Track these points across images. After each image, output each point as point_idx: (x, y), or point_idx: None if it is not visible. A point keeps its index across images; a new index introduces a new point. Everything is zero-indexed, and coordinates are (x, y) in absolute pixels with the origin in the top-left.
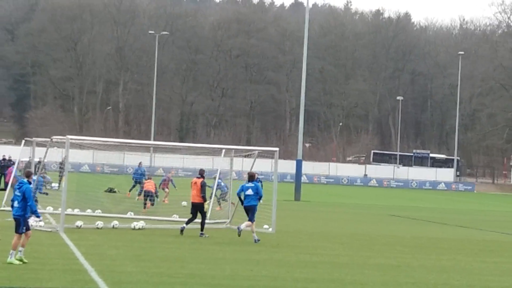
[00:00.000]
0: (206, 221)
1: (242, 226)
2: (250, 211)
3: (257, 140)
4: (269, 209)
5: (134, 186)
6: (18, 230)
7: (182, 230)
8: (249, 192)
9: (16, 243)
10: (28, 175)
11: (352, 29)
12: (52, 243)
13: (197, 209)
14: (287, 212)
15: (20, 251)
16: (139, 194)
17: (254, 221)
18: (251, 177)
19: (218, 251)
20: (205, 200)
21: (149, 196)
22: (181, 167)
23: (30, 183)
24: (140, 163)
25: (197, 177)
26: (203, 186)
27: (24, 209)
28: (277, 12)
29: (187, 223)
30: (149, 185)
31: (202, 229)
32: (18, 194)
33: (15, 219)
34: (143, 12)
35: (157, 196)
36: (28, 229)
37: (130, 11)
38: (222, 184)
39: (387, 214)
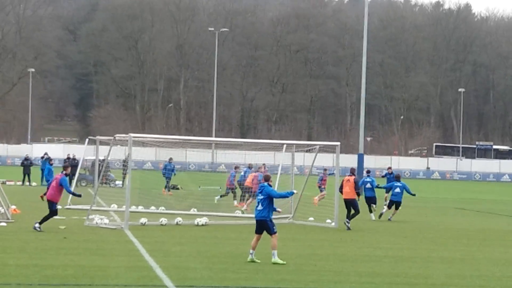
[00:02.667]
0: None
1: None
2: (396, 204)
3: (318, 135)
4: (331, 203)
5: (168, 182)
6: (270, 231)
7: (348, 228)
8: (397, 190)
9: (274, 244)
10: (267, 179)
11: (412, 22)
12: (117, 240)
13: (351, 205)
14: None
15: (251, 253)
16: (168, 189)
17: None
18: (397, 178)
19: (281, 246)
20: (359, 195)
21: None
22: (243, 163)
23: (270, 186)
24: (170, 158)
25: (349, 175)
26: (356, 182)
27: (269, 211)
28: (336, 6)
29: (348, 220)
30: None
31: (350, 218)
32: (261, 197)
33: (258, 221)
34: (203, 9)
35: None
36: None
37: (189, 8)
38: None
39: (450, 207)
